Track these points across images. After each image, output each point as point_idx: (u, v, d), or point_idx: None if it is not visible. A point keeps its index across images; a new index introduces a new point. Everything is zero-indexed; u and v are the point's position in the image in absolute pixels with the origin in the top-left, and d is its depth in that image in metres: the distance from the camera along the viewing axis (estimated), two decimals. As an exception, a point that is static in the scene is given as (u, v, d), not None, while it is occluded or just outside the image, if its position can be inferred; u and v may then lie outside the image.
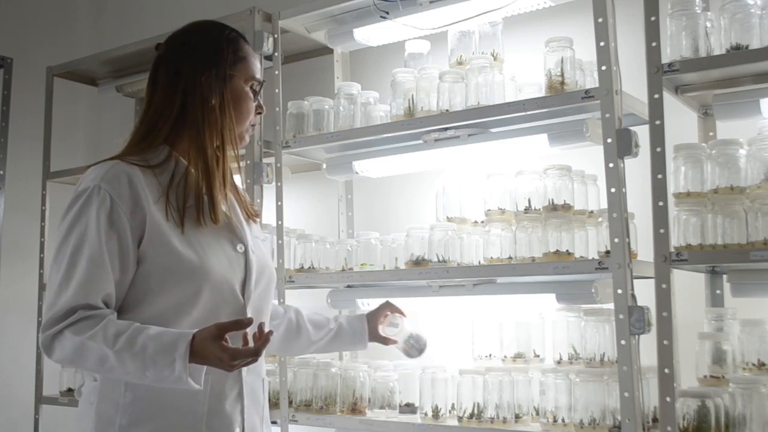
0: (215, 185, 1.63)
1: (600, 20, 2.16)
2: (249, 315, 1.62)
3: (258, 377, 1.69)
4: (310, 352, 2.03)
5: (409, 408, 2.47)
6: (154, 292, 1.57)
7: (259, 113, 1.74)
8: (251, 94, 1.71)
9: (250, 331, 1.51)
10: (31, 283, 3.54)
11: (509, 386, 2.28)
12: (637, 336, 2.04)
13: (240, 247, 1.67)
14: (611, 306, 2.09)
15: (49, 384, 3.43)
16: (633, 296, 2.06)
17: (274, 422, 2.57)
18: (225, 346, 1.44)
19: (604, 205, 2.16)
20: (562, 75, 2.27)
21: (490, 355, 2.44)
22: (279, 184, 2.79)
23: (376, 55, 3.11)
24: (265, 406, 1.73)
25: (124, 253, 1.55)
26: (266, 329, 1.52)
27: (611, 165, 2.11)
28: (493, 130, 2.47)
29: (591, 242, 2.28)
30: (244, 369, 1.61)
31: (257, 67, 1.75)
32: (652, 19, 2.05)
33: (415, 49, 2.77)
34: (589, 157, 2.37)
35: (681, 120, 2.33)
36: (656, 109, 2.03)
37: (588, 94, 2.17)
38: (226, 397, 1.60)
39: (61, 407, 3.34)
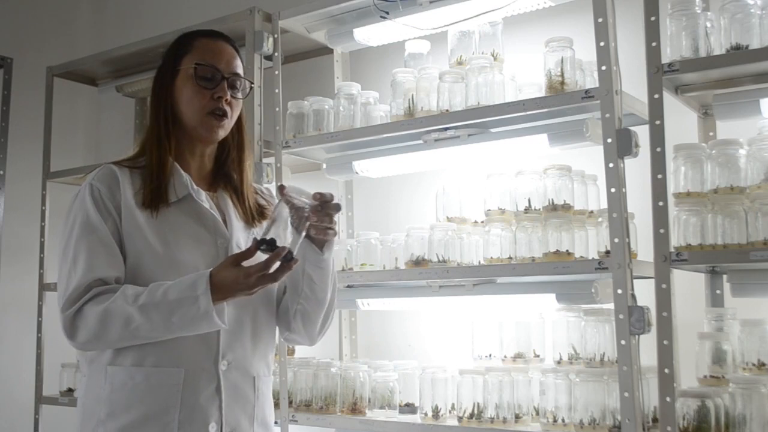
0: (152, 177, 1.67)
1: (600, 20, 2.16)
2: (230, 309, 1.63)
3: (245, 375, 1.67)
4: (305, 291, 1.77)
5: (409, 408, 2.47)
6: (135, 281, 1.62)
7: (219, 97, 1.69)
8: (195, 80, 1.69)
9: None
10: (31, 283, 3.53)
11: (509, 386, 2.28)
12: (637, 336, 2.04)
13: (221, 243, 1.69)
14: (611, 306, 2.09)
15: (49, 384, 3.43)
16: (633, 296, 2.06)
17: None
18: (239, 267, 1.51)
19: (604, 205, 2.16)
20: (562, 75, 2.27)
21: (490, 355, 2.44)
22: (279, 184, 2.79)
23: (376, 55, 3.11)
24: (258, 406, 1.70)
25: (118, 233, 1.63)
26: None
27: (611, 165, 2.11)
28: (493, 130, 2.47)
29: (591, 242, 2.28)
30: (223, 365, 1.62)
31: (207, 53, 1.71)
32: (652, 19, 2.05)
33: (415, 49, 2.77)
34: (589, 157, 2.37)
35: (681, 120, 2.33)
36: (656, 109, 2.03)
37: (588, 94, 2.17)
38: (201, 392, 1.60)
39: (61, 407, 3.34)
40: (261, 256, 1.51)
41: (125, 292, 1.56)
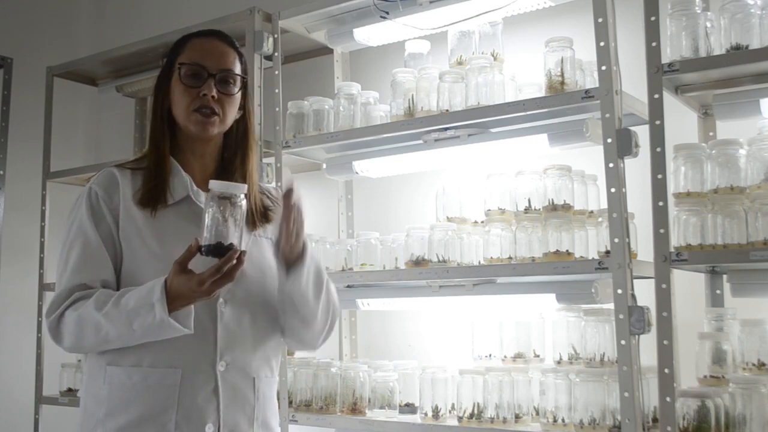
0: (150, 178, 1.67)
1: (600, 20, 2.16)
2: (225, 309, 1.63)
3: (245, 376, 1.66)
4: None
5: (409, 408, 2.47)
6: (133, 283, 1.62)
7: (205, 95, 1.67)
8: (181, 80, 1.68)
9: None
10: (31, 283, 3.54)
11: (509, 386, 2.28)
12: (637, 336, 2.04)
13: None
14: (611, 306, 2.09)
15: (49, 384, 3.43)
16: (633, 296, 2.06)
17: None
18: (190, 275, 1.49)
19: (604, 205, 2.16)
20: (562, 75, 2.27)
21: (490, 355, 2.44)
22: (279, 184, 2.79)
23: (376, 55, 3.11)
24: (258, 407, 1.68)
25: (111, 236, 1.64)
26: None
27: (611, 165, 2.11)
28: (493, 130, 2.47)
29: (591, 242, 2.28)
30: (221, 366, 1.61)
31: (195, 52, 1.71)
32: (652, 19, 2.06)
33: (415, 49, 2.77)
34: (589, 157, 2.37)
35: (681, 120, 2.33)
36: (656, 109, 2.03)
37: (588, 94, 2.17)
38: (198, 392, 1.60)
39: (61, 407, 3.34)
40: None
41: (98, 299, 1.56)
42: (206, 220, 1.48)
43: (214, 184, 1.49)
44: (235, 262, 1.47)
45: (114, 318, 1.54)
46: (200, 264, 1.49)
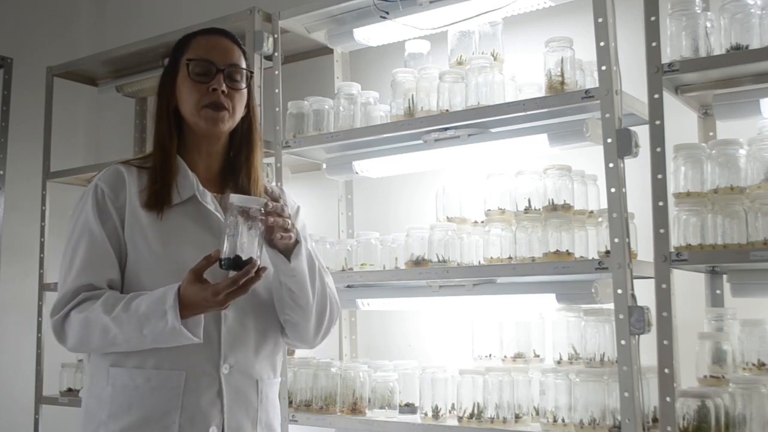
0: (155, 178, 1.66)
1: (600, 20, 2.16)
2: (229, 312, 1.62)
3: (248, 379, 1.66)
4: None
5: (409, 408, 2.47)
6: (137, 283, 1.62)
7: (215, 90, 1.66)
8: (189, 76, 1.67)
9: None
10: (31, 283, 3.53)
11: (509, 386, 2.28)
12: (637, 336, 2.04)
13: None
14: (611, 306, 2.09)
15: (49, 384, 3.43)
16: (633, 296, 2.06)
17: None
18: (205, 285, 1.48)
19: (604, 205, 2.16)
20: (562, 75, 2.27)
21: (490, 355, 2.44)
22: (279, 184, 2.79)
23: (376, 55, 3.11)
24: (261, 409, 1.68)
25: (117, 235, 1.63)
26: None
27: (611, 165, 2.11)
28: (493, 130, 2.47)
29: (591, 242, 2.28)
30: (225, 369, 1.61)
31: (201, 48, 1.70)
32: (652, 19, 2.06)
33: (415, 49, 2.77)
34: (589, 157, 2.37)
35: (681, 120, 2.33)
36: (656, 109, 2.03)
37: (588, 94, 2.17)
38: (202, 395, 1.59)
39: (61, 407, 3.34)
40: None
41: (106, 301, 1.56)
42: (225, 233, 1.48)
43: (235, 198, 1.50)
44: (252, 275, 1.47)
45: (123, 322, 1.53)
46: (214, 272, 1.49)
